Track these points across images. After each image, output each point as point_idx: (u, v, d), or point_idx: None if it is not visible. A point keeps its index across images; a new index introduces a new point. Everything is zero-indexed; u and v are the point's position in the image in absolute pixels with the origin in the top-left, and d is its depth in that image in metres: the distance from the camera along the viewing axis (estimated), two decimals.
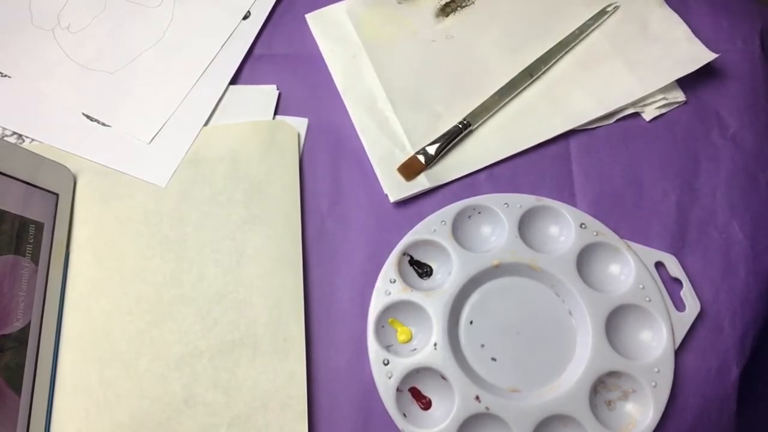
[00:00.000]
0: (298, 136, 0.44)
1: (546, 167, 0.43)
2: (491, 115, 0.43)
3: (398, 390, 0.36)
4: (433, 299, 0.38)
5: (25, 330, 0.36)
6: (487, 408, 0.36)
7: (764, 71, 0.45)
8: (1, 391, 0.34)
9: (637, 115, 0.44)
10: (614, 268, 0.39)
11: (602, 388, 0.37)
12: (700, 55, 0.44)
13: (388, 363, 0.37)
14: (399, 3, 0.48)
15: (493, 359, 0.38)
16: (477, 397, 0.36)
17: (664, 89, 0.43)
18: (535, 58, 0.45)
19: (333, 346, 0.39)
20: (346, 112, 0.44)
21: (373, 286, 0.39)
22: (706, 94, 0.45)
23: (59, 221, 0.40)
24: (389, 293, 0.38)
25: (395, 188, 0.41)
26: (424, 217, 0.40)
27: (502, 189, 0.42)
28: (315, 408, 0.37)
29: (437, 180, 0.41)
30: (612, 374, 0.36)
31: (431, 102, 0.44)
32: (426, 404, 0.37)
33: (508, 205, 0.40)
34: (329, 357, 0.38)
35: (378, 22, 0.47)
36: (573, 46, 0.45)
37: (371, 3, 0.48)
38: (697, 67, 0.43)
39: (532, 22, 0.47)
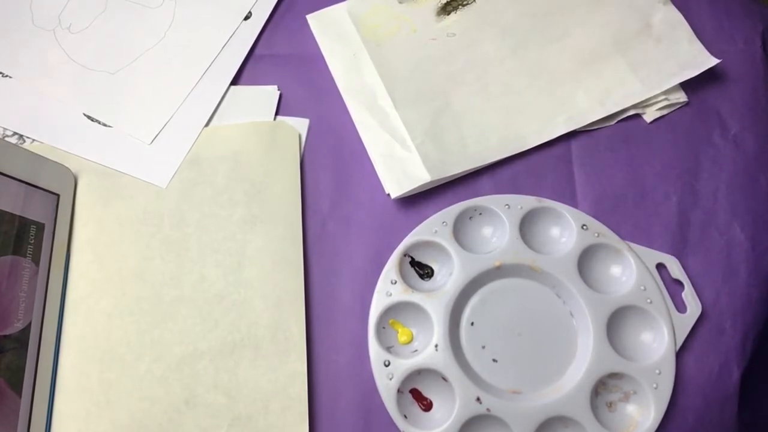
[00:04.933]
0: (299, 136, 0.44)
1: (547, 168, 0.43)
2: None
3: (399, 391, 0.36)
4: (434, 300, 0.38)
5: (25, 331, 0.36)
6: (488, 409, 0.36)
7: (765, 72, 0.45)
8: (2, 392, 0.34)
9: (637, 116, 0.44)
10: (615, 270, 0.39)
11: (603, 390, 0.37)
12: (702, 60, 0.44)
13: (389, 364, 0.37)
14: (400, 2, 0.48)
15: (494, 360, 0.38)
16: (478, 399, 0.36)
17: (666, 90, 0.43)
18: (535, 56, 0.45)
19: (334, 347, 0.39)
20: (347, 112, 0.44)
21: (374, 287, 0.39)
22: (707, 95, 0.45)
23: (60, 222, 0.40)
24: (390, 294, 0.38)
25: (396, 185, 0.41)
26: (425, 218, 0.40)
27: (503, 190, 0.42)
28: (316, 409, 0.37)
29: (438, 174, 0.41)
30: (613, 376, 0.36)
31: (432, 98, 0.44)
32: (427, 405, 0.37)
33: (509, 206, 0.40)
34: (330, 358, 0.38)
35: (379, 21, 0.47)
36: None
37: (372, 3, 0.48)
38: (699, 72, 0.43)
39: (532, 19, 0.46)
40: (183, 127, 0.44)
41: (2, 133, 0.44)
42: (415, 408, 0.37)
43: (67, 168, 0.42)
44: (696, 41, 0.44)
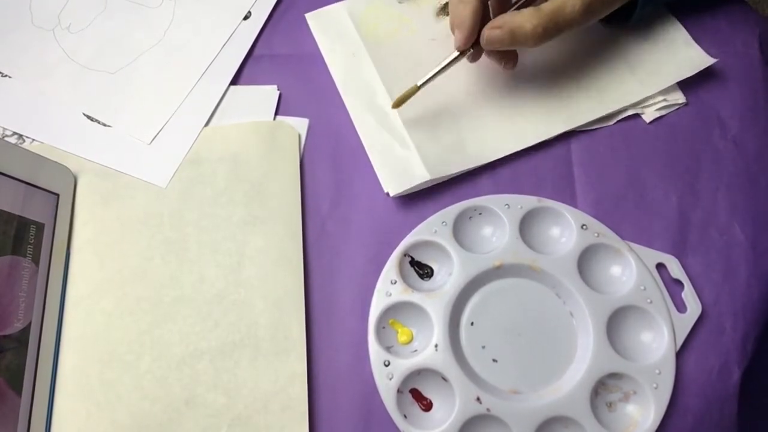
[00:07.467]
0: (299, 136, 0.44)
1: (547, 168, 0.43)
2: None
3: (399, 391, 0.36)
4: (434, 300, 0.38)
5: (25, 331, 0.36)
6: (488, 409, 0.36)
7: (764, 73, 0.45)
8: (2, 392, 0.34)
9: (637, 116, 0.44)
10: (615, 270, 0.39)
11: (603, 390, 0.37)
12: (700, 59, 0.44)
13: (388, 364, 0.37)
14: (399, 2, 0.48)
15: (494, 360, 0.38)
16: (478, 399, 0.36)
17: (665, 91, 0.44)
18: (534, 56, 0.45)
19: (334, 347, 0.39)
20: (347, 112, 0.44)
21: (374, 287, 0.39)
22: (706, 96, 0.45)
23: (60, 222, 0.40)
24: (390, 294, 0.38)
25: (395, 183, 0.41)
26: (425, 218, 0.40)
27: (503, 190, 0.42)
28: (316, 409, 0.37)
29: (437, 173, 0.41)
30: (613, 376, 0.36)
31: (432, 98, 0.44)
32: (427, 405, 0.37)
33: (509, 206, 0.40)
34: (330, 358, 0.38)
35: (378, 21, 0.47)
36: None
37: (372, 2, 0.48)
38: (696, 71, 0.43)
39: None
40: (183, 127, 0.44)
41: (2, 133, 0.44)
42: (415, 408, 0.37)
43: (66, 168, 0.42)
44: (692, 43, 0.45)
